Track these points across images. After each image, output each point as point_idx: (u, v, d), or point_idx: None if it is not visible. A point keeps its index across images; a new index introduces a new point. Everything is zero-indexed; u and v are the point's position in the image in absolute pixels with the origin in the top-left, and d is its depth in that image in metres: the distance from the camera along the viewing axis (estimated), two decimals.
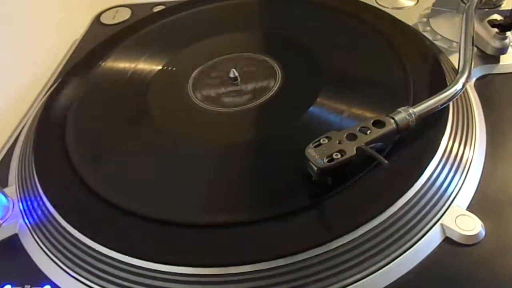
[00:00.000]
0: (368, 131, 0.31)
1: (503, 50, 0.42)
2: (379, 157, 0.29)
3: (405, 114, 0.32)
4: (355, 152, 0.30)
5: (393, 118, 0.31)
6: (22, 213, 0.35)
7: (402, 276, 0.29)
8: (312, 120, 0.37)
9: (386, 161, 0.29)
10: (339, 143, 0.30)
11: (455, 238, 0.30)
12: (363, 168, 0.31)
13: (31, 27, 0.56)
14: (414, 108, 0.32)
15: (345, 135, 0.30)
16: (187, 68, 0.45)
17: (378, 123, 0.31)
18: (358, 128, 0.31)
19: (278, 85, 0.41)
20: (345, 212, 0.30)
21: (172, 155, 0.37)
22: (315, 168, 0.29)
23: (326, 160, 0.29)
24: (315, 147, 0.30)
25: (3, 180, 0.39)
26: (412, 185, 0.31)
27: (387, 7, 0.51)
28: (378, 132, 0.31)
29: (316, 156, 0.29)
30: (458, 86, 0.34)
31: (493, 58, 0.42)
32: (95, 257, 0.31)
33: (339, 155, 0.29)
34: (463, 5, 0.44)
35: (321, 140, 0.30)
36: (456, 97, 0.34)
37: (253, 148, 0.36)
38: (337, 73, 0.41)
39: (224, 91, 0.41)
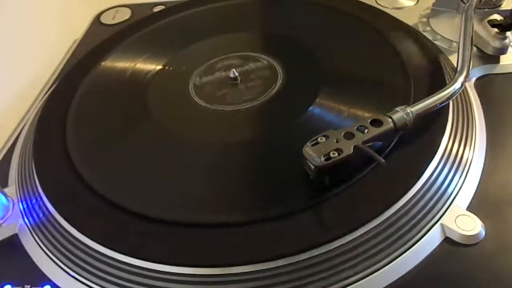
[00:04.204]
0: (366, 130, 0.31)
1: (503, 50, 0.42)
2: (376, 156, 0.29)
3: (403, 113, 0.32)
4: (352, 150, 0.30)
5: (390, 117, 0.31)
6: (22, 213, 0.35)
7: (402, 276, 0.28)
8: (312, 120, 0.37)
9: (383, 160, 0.29)
10: (337, 141, 0.30)
11: (455, 238, 0.30)
12: (363, 168, 0.31)
13: (31, 27, 0.56)
14: (412, 107, 0.32)
15: (342, 134, 0.30)
16: (187, 68, 0.45)
17: (376, 122, 0.31)
18: (356, 127, 0.31)
19: (278, 85, 0.41)
20: (345, 212, 0.30)
21: (172, 155, 0.37)
22: (312, 167, 0.29)
23: (323, 158, 0.29)
24: (312, 145, 0.30)
25: (3, 180, 0.39)
26: (412, 185, 0.31)
27: (387, 7, 0.51)
28: (375, 131, 0.31)
29: (314, 154, 0.29)
30: (457, 85, 0.34)
31: (493, 58, 0.42)
32: (95, 257, 0.31)
33: (336, 154, 0.29)
34: (463, 5, 0.44)
35: (319, 139, 0.30)
36: (454, 96, 0.34)
37: (252, 147, 0.36)
38: (337, 73, 0.41)
39: (224, 91, 0.41)
